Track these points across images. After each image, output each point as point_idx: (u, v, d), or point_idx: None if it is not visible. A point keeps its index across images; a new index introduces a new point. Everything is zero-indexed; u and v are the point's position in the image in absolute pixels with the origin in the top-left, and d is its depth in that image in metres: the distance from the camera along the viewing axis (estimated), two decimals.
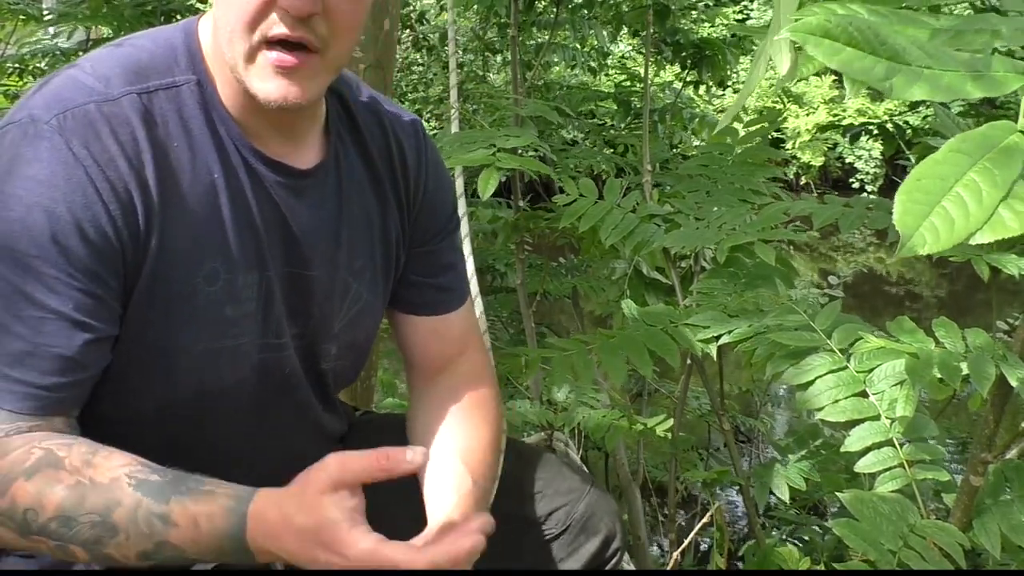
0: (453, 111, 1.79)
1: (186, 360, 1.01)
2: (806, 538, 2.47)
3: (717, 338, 1.56)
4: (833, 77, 11.02)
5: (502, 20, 3.81)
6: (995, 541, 1.17)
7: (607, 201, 1.94)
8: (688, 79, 3.27)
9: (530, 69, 3.37)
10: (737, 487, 2.44)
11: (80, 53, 2.56)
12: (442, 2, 4.92)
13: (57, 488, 0.86)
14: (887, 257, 8.22)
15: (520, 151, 2.13)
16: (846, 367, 1.34)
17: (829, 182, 12.00)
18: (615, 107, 3.76)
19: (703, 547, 2.78)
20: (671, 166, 2.72)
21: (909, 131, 10.53)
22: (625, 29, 3.51)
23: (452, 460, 1.11)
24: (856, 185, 11.75)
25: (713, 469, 2.13)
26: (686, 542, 1.73)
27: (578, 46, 3.84)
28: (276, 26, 0.92)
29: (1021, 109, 0.56)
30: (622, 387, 3.21)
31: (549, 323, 3.55)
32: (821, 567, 1.70)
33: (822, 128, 11.84)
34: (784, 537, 2.54)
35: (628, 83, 4.14)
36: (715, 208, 1.93)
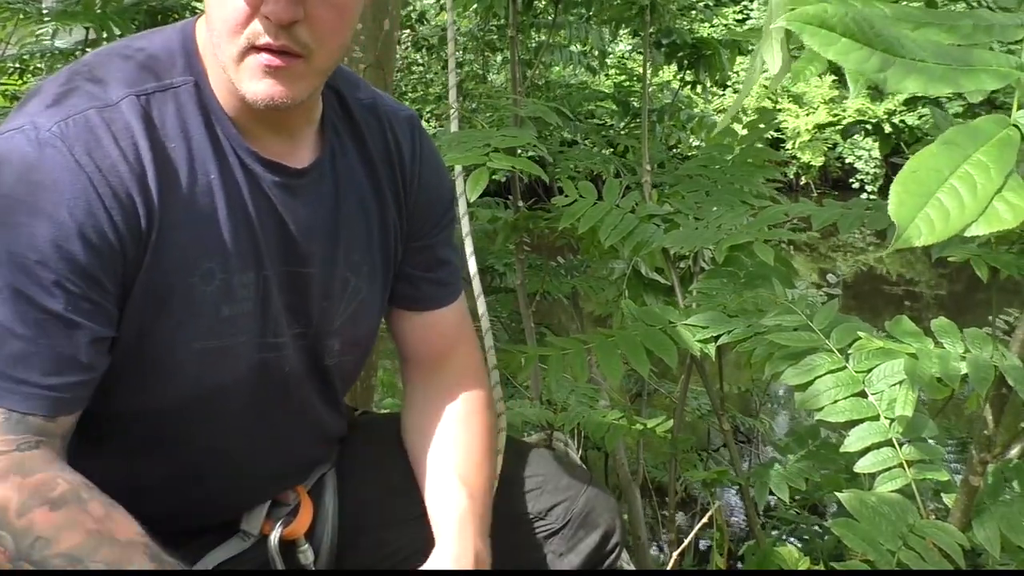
0: (453, 111, 1.78)
1: (183, 359, 1.01)
2: (806, 538, 2.46)
3: (716, 338, 1.56)
4: (833, 77, 11.01)
5: (501, 21, 3.82)
6: (995, 541, 1.17)
7: (606, 201, 1.93)
8: (686, 79, 3.27)
9: (530, 68, 3.36)
10: (737, 487, 2.44)
11: (78, 53, 2.55)
12: (442, 2, 4.92)
13: (78, 529, 0.88)
14: (887, 257, 8.20)
15: (519, 151, 2.13)
16: (845, 367, 1.34)
17: (829, 182, 12.00)
18: (614, 107, 3.76)
19: (703, 547, 2.77)
20: (668, 166, 2.71)
21: (906, 131, 10.53)
22: (625, 29, 3.50)
23: (450, 479, 1.15)
24: (856, 185, 11.75)
25: (713, 469, 2.12)
26: (686, 542, 1.73)
27: (576, 47, 3.84)
28: (262, 36, 0.93)
29: (1015, 103, 0.56)
30: (621, 387, 3.21)
31: (549, 323, 3.55)
32: (821, 567, 1.70)
33: (822, 128, 11.84)
34: (784, 537, 2.54)
35: (627, 83, 4.14)
36: (714, 208, 1.93)
